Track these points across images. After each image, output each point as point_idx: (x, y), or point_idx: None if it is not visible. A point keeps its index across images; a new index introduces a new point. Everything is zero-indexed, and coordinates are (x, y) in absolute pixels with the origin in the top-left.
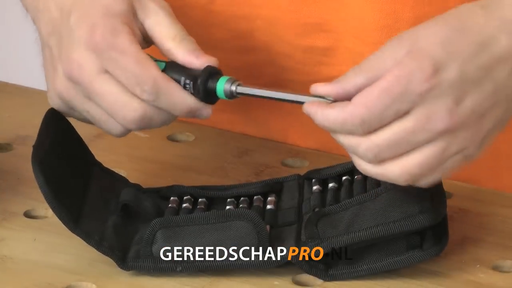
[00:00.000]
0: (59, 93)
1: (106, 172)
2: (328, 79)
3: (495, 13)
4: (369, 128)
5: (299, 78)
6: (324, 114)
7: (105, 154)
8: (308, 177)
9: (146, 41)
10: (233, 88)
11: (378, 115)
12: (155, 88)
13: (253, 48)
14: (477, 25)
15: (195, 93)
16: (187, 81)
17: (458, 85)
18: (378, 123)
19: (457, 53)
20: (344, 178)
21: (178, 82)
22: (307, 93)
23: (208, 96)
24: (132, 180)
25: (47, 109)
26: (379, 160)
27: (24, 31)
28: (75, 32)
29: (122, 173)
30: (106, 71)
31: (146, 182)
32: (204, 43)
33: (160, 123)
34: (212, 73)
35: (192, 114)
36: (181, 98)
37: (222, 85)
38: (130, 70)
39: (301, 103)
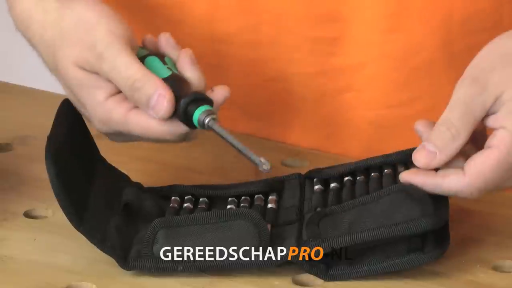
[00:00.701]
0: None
1: (109, 169)
2: (335, 70)
3: None
4: (482, 191)
5: (305, 70)
6: (441, 186)
7: (105, 154)
8: (309, 177)
9: None
10: (206, 120)
11: (493, 183)
12: (177, 138)
13: (260, 42)
14: None
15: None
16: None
17: None
18: (489, 185)
19: None
20: (346, 178)
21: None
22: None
23: (188, 120)
24: (133, 179)
25: (48, 108)
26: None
27: None
28: (83, 109)
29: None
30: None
31: (147, 182)
32: (210, 38)
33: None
34: (197, 100)
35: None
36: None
37: (198, 114)
38: (146, 138)
39: (255, 163)
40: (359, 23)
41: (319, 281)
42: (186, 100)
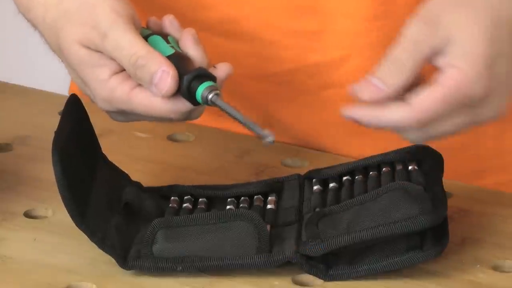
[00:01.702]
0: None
1: (110, 166)
2: (317, 64)
3: None
4: (423, 125)
5: (287, 65)
6: (381, 116)
7: (105, 154)
8: (308, 177)
9: None
10: (210, 96)
11: (435, 117)
12: (180, 117)
13: (240, 34)
14: (506, 13)
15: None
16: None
17: (506, 81)
18: (432, 122)
19: (501, 51)
20: (344, 178)
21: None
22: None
23: (191, 97)
24: (132, 179)
25: (48, 108)
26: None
27: (24, 31)
28: (82, 89)
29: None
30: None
31: (146, 182)
32: (195, 26)
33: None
34: (200, 76)
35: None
36: (200, 111)
37: (201, 91)
38: (149, 116)
39: (260, 136)
40: (341, 13)
41: (319, 281)
42: (189, 77)
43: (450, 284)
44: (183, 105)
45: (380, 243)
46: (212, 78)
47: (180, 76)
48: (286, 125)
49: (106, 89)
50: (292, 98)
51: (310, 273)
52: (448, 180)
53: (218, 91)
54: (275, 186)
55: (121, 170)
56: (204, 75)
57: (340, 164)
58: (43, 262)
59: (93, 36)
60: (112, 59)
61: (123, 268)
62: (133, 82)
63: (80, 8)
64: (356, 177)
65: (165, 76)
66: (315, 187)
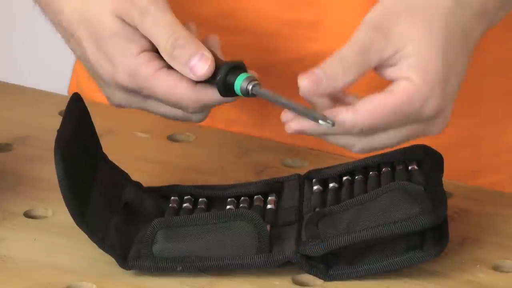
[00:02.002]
0: (118, 106)
1: (110, 166)
2: (315, 55)
3: (467, 7)
4: (369, 132)
5: (285, 57)
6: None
7: (107, 154)
8: (308, 177)
9: None
10: (249, 87)
11: (380, 126)
12: (197, 106)
13: (237, 26)
14: (460, 24)
15: (215, 82)
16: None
17: (454, 97)
18: (377, 131)
19: (454, 65)
20: (344, 178)
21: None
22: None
23: (228, 91)
24: (133, 179)
25: (48, 108)
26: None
27: (24, 31)
28: (99, 72)
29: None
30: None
31: (146, 182)
32: (192, 19)
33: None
34: (235, 68)
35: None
36: (224, 99)
37: (240, 82)
38: (168, 101)
39: (316, 120)
40: (338, 3)
41: (319, 281)
42: (226, 68)
43: (450, 284)
44: (205, 94)
45: (380, 243)
46: (246, 70)
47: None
48: (269, 123)
49: (133, 64)
50: (290, 89)
51: (310, 273)
52: (448, 180)
53: (257, 81)
54: (275, 186)
55: (121, 170)
56: (239, 67)
57: (340, 164)
58: (43, 262)
59: (131, 9)
60: (145, 37)
61: (123, 268)
62: (160, 63)
63: None
64: (356, 177)
65: (204, 59)
66: (315, 187)
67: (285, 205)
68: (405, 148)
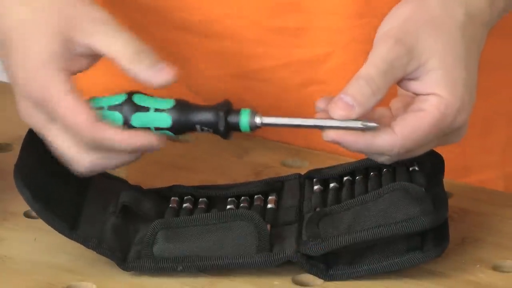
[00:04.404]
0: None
1: (105, 176)
2: (300, 61)
3: (478, 19)
4: (405, 153)
5: (270, 63)
6: (372, 143)
7: None
8: (309, 177)
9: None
10: (258, 120)
11: (419, 146)
12: (91, 139)
13: (222, 33)
14: (473, 36)
15: (215, 132)
16: (205, 123)
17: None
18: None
19: (474, 74)
20: (345, 178)
21: (193, 126)
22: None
23: (229, 133)
24: (132, 180)
25: None
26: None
27: None
28: (15, 80)
29: (122, 173)
30: (54, 121)
31: (146, 182)
32: (176, 26)
33: (120, 165)
34: (229, 110)
35: (148, 148)
36: (119, 140)
37: (247, 120)
38: (66, 123)
39: (353, 127)
40: (324, 10)
41: (319, 281)
42: (224, 111)
43: (450, 284)
44: (103, 129)
45: (380, 243)
46: (230, 103)
47: (204, 118)
48: (304, 130)
49: (49, 79)
50: (276, 95)
51: (310, 273)
52: (448, 180)
53: (259, 113)
54: (275, 186)
55: (119, 178)
56: (229, 107)
57: (341, 164)
58: (43, 262)
59: (85, 25)
60: (74, 59)
61: (123, 269)
62: (72, 87)
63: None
64: (357, 177)
65: (169, 68)
66: (315, 187)
67: (285, 204)
68: None
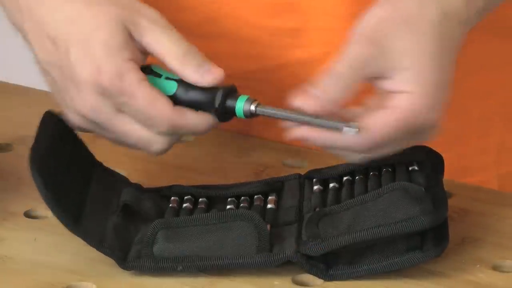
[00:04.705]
0: (78, 126)
1: (107, 172)
2: (297, 61)
3: (454, 18)
4: (373, 149)
5: (266, 63)
6: (338, 140)
7: (105, 154)
8: (309, 177)
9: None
10: (252, 108)
11: (389, 142)
12: (171, 126)
13: (220, 34)
14: (448, 35)
15: (212, 112)
16: (204, 101)
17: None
18: (381, 145)
19: (447, 74)
20: (345, 178)
21: (194, 103)
22: (327, 116)
23: (226, 115)
24: (132, 179)
25: (48, 108)
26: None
27: None
28: (79, 72)
29: (122, 173)
30: (122, 111)
31: (146, 182)
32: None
33: (188, 136)
34: (230, 92)
35: (210, 129)
36: (199, 125)
37: (242, 105)
38: (143, 113)
39: (336, 129)
40: (320, 10)
41: (319, 281)
42: (224, 91)
43: (450, 284)
44: (181, 115)
45: (380, 243)
46: (236, 89)
47: (204, 97)
48: (266, 123)
49: (122, 67)
50: (274, 95)
51: (310, 273)
52: (448, 180)
53: (258, 101)
54: (275, 186)
55: (120, 175)
56: (231, 91)
57: (341, 165)
58: (43, 262)
59: (140, 18)
60: (137, 50)
61: (123, 268)
62: (145, 76)
63: None
64: (357, 177)
65: (216, 69)
66: (315, 187)
67: (285, 204)
68: (405, 149)
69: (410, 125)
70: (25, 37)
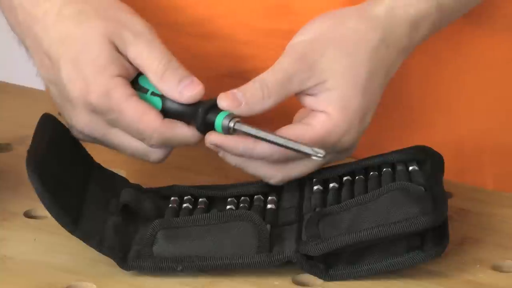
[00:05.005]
0: (81, 138)
1: (106, 173)
2: None
3: (394, 45)
4: (284, 161)
5: (259, 65)
6: (253, 150)
7: (105, 154)
8: (309, 177)
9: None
10: (231, 124)
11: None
12: (160, 139)
13: (213, 34)
14: (383, 61)
15: (196, 125)
16: (186, 115)
17: (365, 130)
18: (294, 162)
19: (372, 102)
20: (345, 178)
21: (179, 116)
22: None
23: (206, 129)
24: (132, 180)
25: (48, 108)
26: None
27: None
28: (70, 91)
29: (122, 173)
30: (115, 126)
31: (146, 182)
32: (167, 27)
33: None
34: (211, 107)
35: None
36: (189, 137)
37: (221, 121)
38: (132, 128)
39: (306, 154)
40: (314, 12)
41: (319, 281)
42: (205, 106)
43: (450, 284)
44: (171, 128)
45: (380, 243)
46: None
47: (187, 111)
48: (261, 125)
49: (109, 84)
50: None
51: (310, 273)
52: (448, 180)
53: (239, 119)
54: (275, 186)
55: (119, 176)
56: (212, 105)
57: (341, 165)
58: (43, 262)
59: (125, 33)
60: (125, 65)
61: (123, 268)
62: (133, 91)
63: (109, 5)
64: (357, 177)
65: (195, 84)
66: (315, 187)
67: (285, 205)
68: (405, 149)
69: (322, 146)
70: (27, 52)
